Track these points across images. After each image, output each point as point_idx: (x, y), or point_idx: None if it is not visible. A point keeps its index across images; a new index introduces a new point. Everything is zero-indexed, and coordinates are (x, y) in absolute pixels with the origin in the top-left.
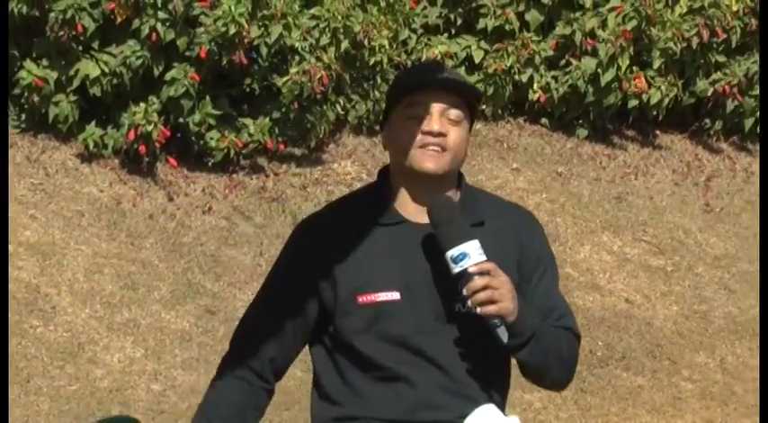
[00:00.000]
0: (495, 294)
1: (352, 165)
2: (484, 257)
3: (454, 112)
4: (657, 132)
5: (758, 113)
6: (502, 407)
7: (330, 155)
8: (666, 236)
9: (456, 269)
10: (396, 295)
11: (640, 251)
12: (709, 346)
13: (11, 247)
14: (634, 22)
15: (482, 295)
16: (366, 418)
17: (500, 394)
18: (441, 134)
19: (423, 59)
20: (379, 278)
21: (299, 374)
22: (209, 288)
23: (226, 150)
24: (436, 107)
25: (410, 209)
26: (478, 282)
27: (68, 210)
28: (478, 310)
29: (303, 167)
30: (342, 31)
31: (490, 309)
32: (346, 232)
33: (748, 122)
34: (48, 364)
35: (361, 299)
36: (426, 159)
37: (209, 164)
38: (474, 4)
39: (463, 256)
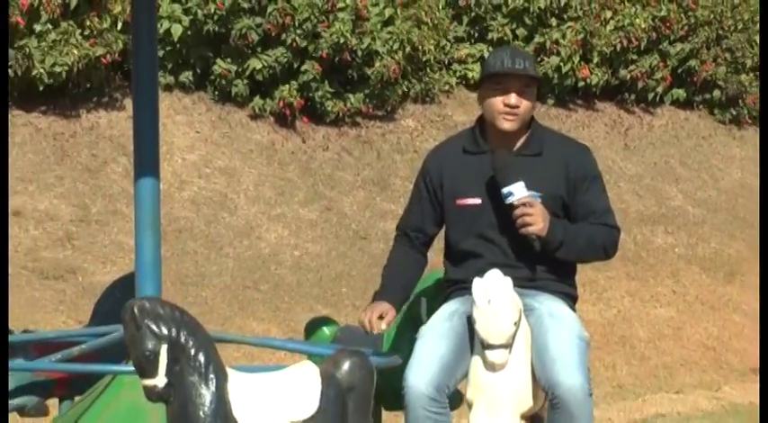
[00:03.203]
0: (528, 219)
1: (412, 122)
2: (525, 193)
3: (525, 89)
4: (596, 102)
5: (656, 88)
6: (552, 278)
7: (399, 115)
8: (601, 164)
9: (506, 202)
10: (478, 201)
11: None
12: (626, 228)
13: (209, 171)
14: (582, 35)
15: (520, 221)
16: (455, 279)
17: (545, 268)
18: (516, 106)
19: (506, 45)
20: (469, 189)
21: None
22: (328, 195)
23: (337, 112)
24: (514, 87)
25: (495, 143)
26: (517, 212)
27: (244, 148)
28: (521, 231)
29: (383, 123)
30: (406, 41)
31: (526, 230)
32: (452, 158)
33: (650, 95)
34: (233, 238)
35: (459, 202)
36: (506, 123)
37: (327, 120)
38: (485, 24)
39: (509, 193)
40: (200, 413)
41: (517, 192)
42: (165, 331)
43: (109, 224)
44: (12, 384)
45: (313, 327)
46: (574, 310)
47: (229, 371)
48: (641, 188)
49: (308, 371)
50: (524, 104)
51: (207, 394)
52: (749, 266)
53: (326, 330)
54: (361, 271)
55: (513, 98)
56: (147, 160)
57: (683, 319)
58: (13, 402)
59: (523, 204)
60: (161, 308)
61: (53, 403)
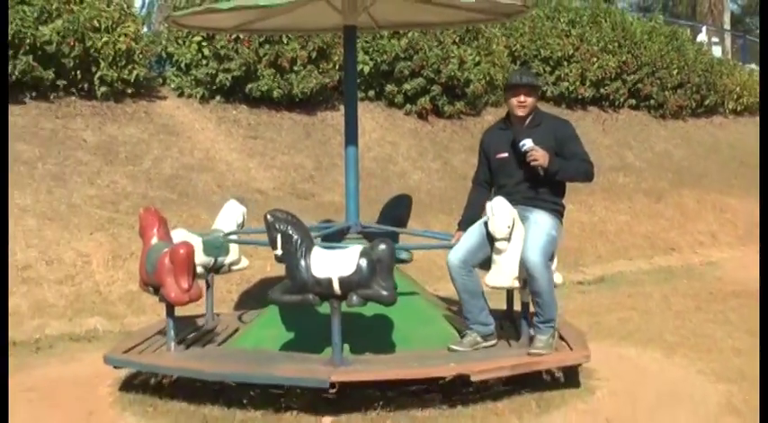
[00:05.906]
0: (535, 156)
1: (491, 117)
2: (532, 144)
3: (530, 92)
4: (587, 107)
5: (620, 99)
6: (549, 202)
7: (483, 114)
8: (588, 140)
9: (522, 149)
10: (506, 155)
11: None
12: (602, 173)
13: (383, 143)
14: (580, 70)
15: (530, 158)
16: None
17: (541, 192)
18: (524, 102)
19: (516, 68)
20: (501, 148)
21: None
22: (445, 156)
23: (451, 113)
24: (522, 91)
25: (515, 122)
26: (529, 154)
27: (401, 131)
28: (532, 164)
29: (474, 118)
30: (487, 74)
31: (535, 163)
32: (494, 133)
33: (617, 103)
34: (395, 179)
35: (496, 156)
36: (519, 111)
37: (445, 116)
38: (529, 65)
39: (523, 144)
40: (296, 269)
41: (528, 143)
42: (280, 226)
43: (331, 170)
44: None
45: None
46: (560, 220)
47: (314, 248)
48: (611, 152)
49: (355, 249)
50: (529, 100)
51: (300, 259)
52: (668, 193)
53: None
54: (463, 197)
55: (522, 97)
56: (351, 137)
57: (633, 221)
58: None
59: (533, 149)
60: (280, 214)
61: None
